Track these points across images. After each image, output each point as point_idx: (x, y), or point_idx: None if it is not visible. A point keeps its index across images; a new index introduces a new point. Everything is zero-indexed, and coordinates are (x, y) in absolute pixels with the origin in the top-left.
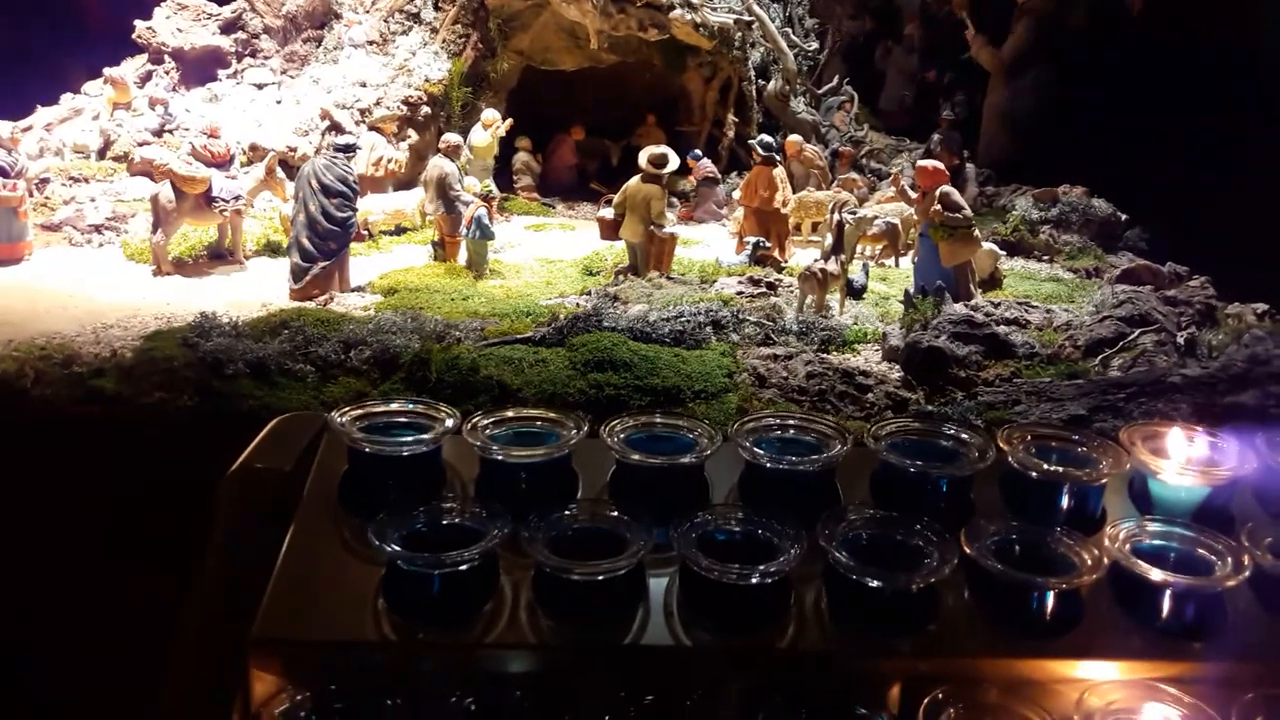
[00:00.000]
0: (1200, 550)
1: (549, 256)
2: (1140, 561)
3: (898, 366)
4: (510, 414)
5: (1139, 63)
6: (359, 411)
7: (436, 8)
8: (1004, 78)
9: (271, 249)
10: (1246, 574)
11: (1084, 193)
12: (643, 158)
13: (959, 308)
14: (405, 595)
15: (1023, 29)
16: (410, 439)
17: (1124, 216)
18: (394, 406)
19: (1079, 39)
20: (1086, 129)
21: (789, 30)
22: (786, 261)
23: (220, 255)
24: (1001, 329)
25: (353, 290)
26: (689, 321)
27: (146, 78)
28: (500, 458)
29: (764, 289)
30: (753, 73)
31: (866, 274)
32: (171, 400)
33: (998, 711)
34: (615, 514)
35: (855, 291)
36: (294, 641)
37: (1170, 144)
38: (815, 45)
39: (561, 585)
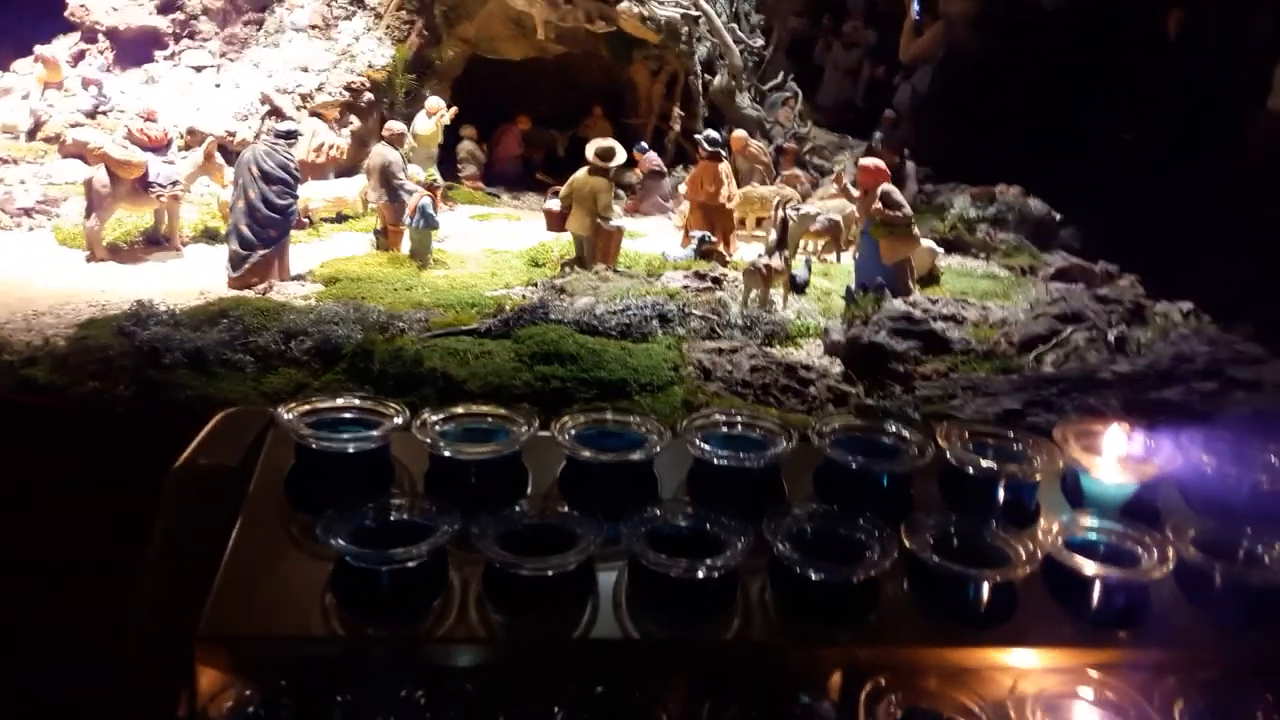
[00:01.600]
0: (1128, 544)
1: (494, 247)
2: (1072, 554)
3: (839, 361)
4: (460, 410)
5: (1062, 63)
6: (306, 407)
7: None
8: (918, 73)
9: (209, 236)
10: (1171, 566)
11: (1020, 192)
12: (589, 150)
13: (898, 304)
14: (354, 591)
15: (935, 31)
16: (358, 435)
17: (1058, 216)
18: (341, 402)
19: (997, 41)
20: (1010, 128)
21: (735, 26)
22: (731, 256)
23: (156, 241)
24: (939, 325)
25: (293, 279)
26: (635, 315)
27: (79, 57)
28: (449, 454)
29: (709, 283)
30: (699, 67)
31: (809, 270)
32: (107, 390)
33: (935, 698)
34: (565, 510)
35: (798, 287)
36: (241, 637)
37: (1099, 144)
38: (761, 41)
39: (511, 580)
